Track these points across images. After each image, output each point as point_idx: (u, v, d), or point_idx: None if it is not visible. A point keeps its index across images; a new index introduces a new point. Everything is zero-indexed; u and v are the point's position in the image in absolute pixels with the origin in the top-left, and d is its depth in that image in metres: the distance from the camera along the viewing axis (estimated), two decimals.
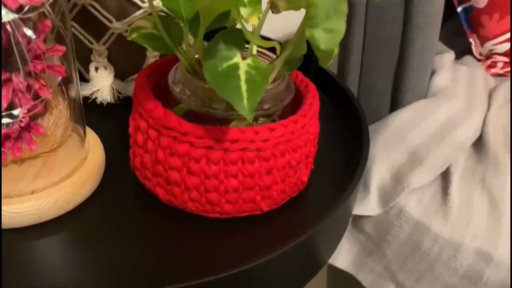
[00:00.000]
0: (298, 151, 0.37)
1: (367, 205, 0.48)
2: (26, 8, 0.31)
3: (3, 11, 0.30)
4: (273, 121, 0.37)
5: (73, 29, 0.47)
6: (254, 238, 0.37)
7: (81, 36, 0.47)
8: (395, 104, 0.56)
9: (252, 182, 0.36)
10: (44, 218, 0.36)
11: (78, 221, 0.37)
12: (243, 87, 0.28)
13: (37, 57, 0.33)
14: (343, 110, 0.50)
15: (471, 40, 0.81)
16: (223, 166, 0.35)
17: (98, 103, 0.48)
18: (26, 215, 0.35)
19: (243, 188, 0.36)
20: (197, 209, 0.37)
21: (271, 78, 0.37)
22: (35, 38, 0.32)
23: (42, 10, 0.33)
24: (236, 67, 0.30)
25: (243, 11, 0.29)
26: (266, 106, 0.36)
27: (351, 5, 0.51)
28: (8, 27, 0.31)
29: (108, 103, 0.48)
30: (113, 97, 0.49)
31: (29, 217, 0.35)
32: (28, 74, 0.33)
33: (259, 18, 0.30)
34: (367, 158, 0.41)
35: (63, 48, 0.35)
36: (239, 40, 0.30)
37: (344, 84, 0.52)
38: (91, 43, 0.47)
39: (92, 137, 0.42)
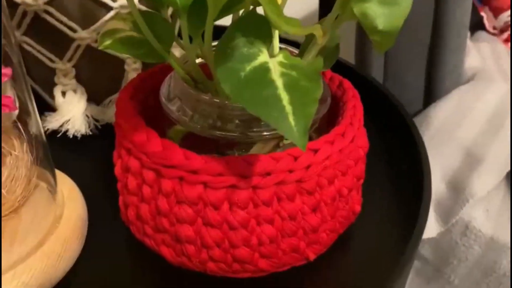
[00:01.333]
0: (349, 174, 0.27)
1: None
2: None
3: None
4: (309, 138, 0.27)
5: (27, 46, 0.37)
6: None
7: (39, 55, 0.37)
8: (430, 95, 0.47)
9: (293, 226, 0.26)
10: None
11: None
12: (284, 97, 0.19)
13: None
14: (374, 110, 0.40)
15: (482, 13, 0.73)
16: (253, 210, 0.25)
17: (71, 136, 0.38)
18: None
19: (282, 235, 0.26)
20: (221, 270, 0.27)
21: None
22: None
23: None
24: (265, 68, 0.20)
25: None
26: None
27: None
28: None
29: (83, 135, 0.38)
30: (89, 127, 0.38)
31: None
32: None
33: None
34: (429, 170, 0.32)
35: (8, 71, 0.24)
36: (263, 30, 0.21)
37: (370, 76, 0.42)
38: (53, 62, 0.37)
39: (66, 184, 0.31)
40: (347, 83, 0.31)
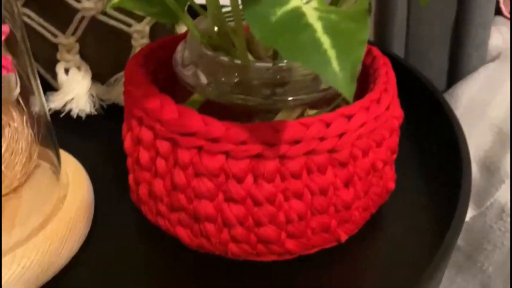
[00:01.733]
0: (384, 146, 0.25)
1: None
2: None
3: None
4: (334, 109, 0.25)
5: (28, 19, 0.34)
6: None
7: (40, 28, 0.34)
8: (454, 73, 0.44)
9: (324, 202, 0.23)
10: None
11: None
12: (325, 41, 0.16)
13: None
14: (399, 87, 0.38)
15: None
16: (281, 183, 0.22)
17: (74, 116, 0.35)
18: None
19: (312, 212, 0.23)
20: (244, 252, 0.24)
21: None
22: None
23: None
24: (299, 13, 0.17)
25: None
26: (323, 86, 0.24)
27: None
28: None
29: (88, 115, 0.35)
30: (94, 106, 0.36)
31: None
32: None
33: None
34: (467, 148, 0.29)
35: (5, 29, 0.22)
36: None
37: (392, 52, 0.39)
38: (55, 36, 0.34)
39: (71, 165, 0.29)
40: (376, 51, 0.28)
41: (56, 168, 0.28)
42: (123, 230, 0.28)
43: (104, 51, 0.36)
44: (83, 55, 0.36)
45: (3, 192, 0.25)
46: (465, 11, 0.41)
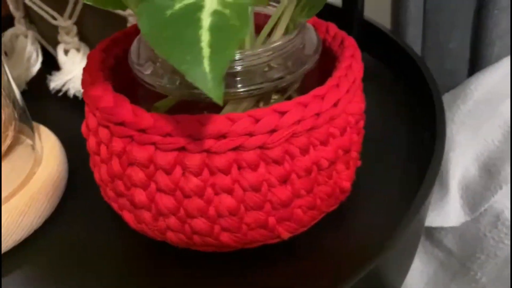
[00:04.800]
0: (332, 144, 0.23)
1: (446, 212, 0.33)
2: None
3: None
4: (289, 98, 0.24)
5: (29, 2, 0.36)
6: (278, 281, 0.24)
7: (40, 11, 0.36)
8: (476, 64, 0.40)
9: (258, 199, 0.23)
10: None
11: (16, 276, 0.26)
12: (205, 38, 0.15)
13: None
14: (403, 77, 0.35)
15: None
16: (209, 177, 0.22)
17: (71, 96, 0.37)
18: None
19: (245, 208, 0.23)
20: (182, 242, 0.24)
21: (280, 28, 0.23)
22: None
23: None
24: (198, 7, 0.17)
25: None
26: (276, 75, 0.23)
27: None
28: None
29: None
30: None
31: None
32: None
33: None
34: (443, 146, 0.27)
35: None
36: None
37: (401, 40, 0.37)
38: (55, 19, 0.36)
39: (49, 142, 0.31)
40: (349, 41, 0.27)
41: (33, 144, 0.30)
42: (91, 211, 0.29)
43: (102, 34, 0.37)
44: (83, 37, 0.37)
45: None
46: None
